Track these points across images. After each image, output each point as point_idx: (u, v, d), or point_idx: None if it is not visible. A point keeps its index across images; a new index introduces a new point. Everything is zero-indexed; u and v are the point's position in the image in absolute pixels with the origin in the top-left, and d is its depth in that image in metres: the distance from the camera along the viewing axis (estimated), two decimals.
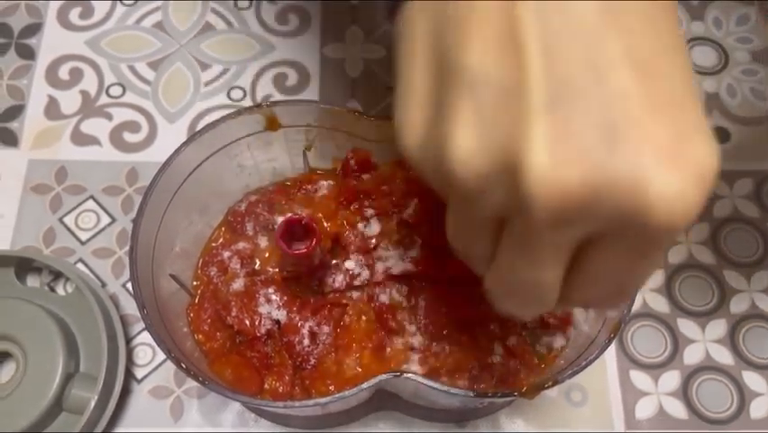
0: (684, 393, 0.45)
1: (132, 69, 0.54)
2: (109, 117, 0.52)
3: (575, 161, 0.19)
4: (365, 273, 0.37)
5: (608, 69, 0.19)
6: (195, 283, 0.39)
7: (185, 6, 0.56)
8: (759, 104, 0.54)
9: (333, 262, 0.37)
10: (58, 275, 0.46)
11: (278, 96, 0.53)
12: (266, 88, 0.53)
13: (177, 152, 0.36)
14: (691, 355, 0.46)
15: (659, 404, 0.45)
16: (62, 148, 0.51)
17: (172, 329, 0.35)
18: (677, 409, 0.44)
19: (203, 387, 0.32)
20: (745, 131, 0.53)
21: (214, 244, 0.39)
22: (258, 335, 0.36)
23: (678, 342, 0.46)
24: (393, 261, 0.37)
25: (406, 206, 0.38)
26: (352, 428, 0.43)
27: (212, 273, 0.38)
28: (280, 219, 0.37)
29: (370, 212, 0.38)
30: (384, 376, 0.31)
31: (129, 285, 0.46)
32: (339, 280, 0.37)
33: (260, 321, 0.36)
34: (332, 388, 0.35)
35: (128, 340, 0.45)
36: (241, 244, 0.39)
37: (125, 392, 0.44)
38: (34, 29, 0.55)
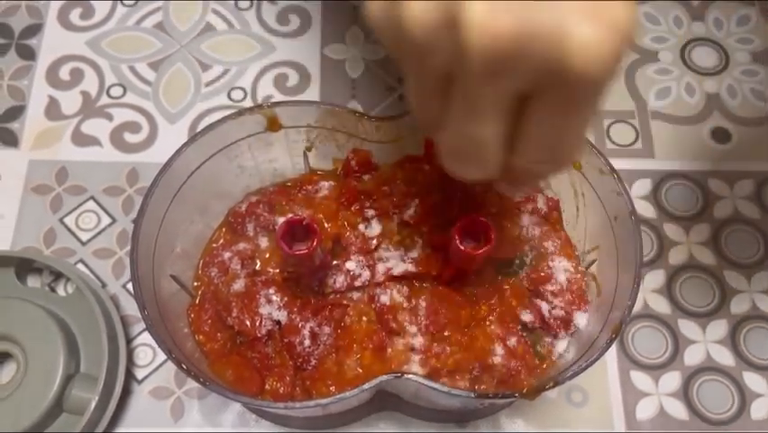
0: (685, 394, 0.45)
1: (132, 69, 0.54)
2: (110, 118, 0.52)
3: (506, 11, 0.21)
4: (366, 274, 0.37)
5: None
6: (195, 284, 0.39)
7: (185, 7, 0.56)
8: (759, 104, 0.54)
9: (334, 262, 0.37)
10: (58, 276, 0.46)
11: (278, 97, 0.53)
12: (267, 89, 0.53)
13: (177, 152, 0.36)
14: (692, 356, 0.46)
15: (660, 405, 0.44)
16: (63, 148, 0.51)
17: (173, 330, 0.35)
18: (678, 410, 0.44)
19: (203, 388, 0.32)
20: (745, 131, 0.53)
21: (214, 245, 0.39)
22: (258, 335, 0.36)
23: (678, 343, 0.46)
24: (394, 261, 0.37)
25: (407, 206, 0.38)
26: (353, 428, 0.43)
27: (212, 274, 0.38)
28: (281, 220, 0.37)
29: (370, 213, 0.38)
30: (385, 377, 0.31)
31: (129, 286, 0.46)
32: (340, 281, 0.37)
33: (260, 322, 0.36)
34: (332, 389, 0.35)
35: (129, 341, 0.45)
36: (241, 245, 0.39)
37: (126, 393, 0.44)
38: (35, 29, 0.55)
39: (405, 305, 0.36)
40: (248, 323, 0.36)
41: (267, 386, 0.36)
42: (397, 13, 0.23)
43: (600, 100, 0.25)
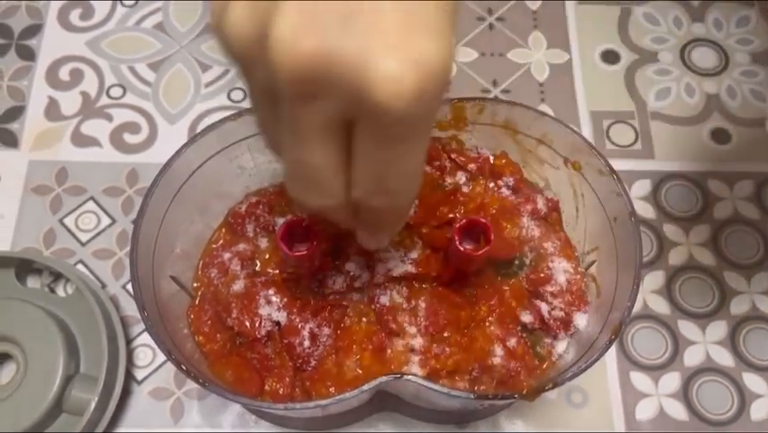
0: (684, 395, 0.45)
1: (132, 70, 0.54)
2: (109, 118, 0.52)
3: (313, 33, 0.21)
4: (365, 275, 0.37)
5: None
6: (195, 285, 0.39)
7: (185, 7, 0.56)
8: (759, 105, 0.54)
9: (334, 263, 0.37)
10: (58, 276, 0.46)
11: None
12: None
13: (177, 153, 0.36)
14: (692, 357, 0.46)
15: (659, 406, 0.44)
16: (62, 149, 0.51)
17: (172, 331, 0.35)
18: (677, 411, 0.44)
19: (203, 388, 0.32)
20: (745, 132, 0.53)
21: (214, 246, 0.39)
22: (258, 336, 0.36)
23: (678, 343, 0.46)
24: (393, 262, 0.37)
25: None
26: (353, 428, 0.43)
27: (212, 275, 0.38)
28: (281, 221, 0.37)
29: None
30: (384, 378, 0.31)
31: (129, 286, 0.46)
32: (339, 282, 0.37)
33: (260, 323, 0.36)
34: (332, 390, 0.35)
35: (128, 341, 0.45)
36: (241, 246, 0.39)
37: (125, 394, 0.44)
38: (35, 30, 0.55)
39: (404, 306, 0.36)
40: (248, 324, 0.36)
41: (266, 387, 0.36)
42: (220, 20, 0.23)
43: (422, 135, 0.24)
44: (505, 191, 0.39)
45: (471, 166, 0.39)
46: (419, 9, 0.22)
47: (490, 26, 0.57)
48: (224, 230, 0.40)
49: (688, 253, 0.49)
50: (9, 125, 0.52)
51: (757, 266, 0.48)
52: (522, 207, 0.39)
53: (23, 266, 0.45)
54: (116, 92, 0.53)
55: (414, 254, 0.37)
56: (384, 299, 0.36)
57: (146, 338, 0.45)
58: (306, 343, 0.35)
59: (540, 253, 0.38)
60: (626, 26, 0.57)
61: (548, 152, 0.38)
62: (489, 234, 0.33)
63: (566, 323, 0.37)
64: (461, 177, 0.39)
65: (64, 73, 0.54)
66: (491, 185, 0.39)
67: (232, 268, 0.38)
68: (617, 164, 0.37)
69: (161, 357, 0.45)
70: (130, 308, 0.46)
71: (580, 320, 0.37)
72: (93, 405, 0.40)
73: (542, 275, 0.37)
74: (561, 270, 0.37)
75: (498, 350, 0.36)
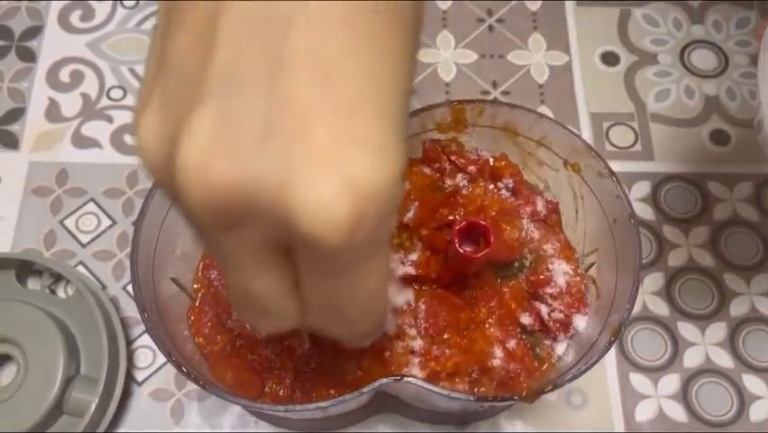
0: (684, 396, 0.45)
1: (132, 71, 0.54)
2: (110, 120, 0.52)
3: (226, 156, 0.18)
4: None
5: (284, 66, 0.18)
6: (195, 286, 0.39)
7: None
8: None
9: None
10: (58, 278, 0.46)
11: None
12: None
13: None
14: (691, 358, 0.46)
15: (659, 407, 0.45)
16: (63, 150, 0.51)
17: (173, 332, 0.35)
18: (677, 413, 0.44)
19: (203, 390, 0.32)
20: (744, 134, 0.53)
21: None
22: (258, 338, 0.36)
23: (678, 345, 0.46)
24: (393, 264, 0.37)
25: (407, 209, 0.38)
26: (353, 429, 0.43)
27: (213, 276, 0.38)
28: None
29: None
30: (384, 380, 0.31)
31: (129, 288, 0.46)
32: None
33: None
34: (332, 391, 0.35)
35: (129, 343, 0.45)
36: None
37: (126, 395, 0.44)
38: (35, 31, 0.55)
39: (404, 308, 0.36)
40: (248, 326, 0.36)
41: (267, 389, 0.36)
42: (135, 133, 0.20)
43: (373, 259, 0.20)
44: (504, 193, 0.39)
45: (471, 168, 0.39)
46: (356, 118, 0.18)
47: (490, 28, 0.57)
48: None
49: (687, 254, 0.49)
50: (9, 127, 0.52)
51: (757, 268, 0.48)
52: (522, 208, 0.39)
53: (24, 267, 0.46)
54: (117, 93, 0.53)
55: (413, 256, 0.37)
56: None
57: (146, 340, 0.45)
58: (307, 344, 0.36)
59: (540, 255, 0.38)
60: (625, 28, 0.57)
61: (548, 154, 0.38)
62: (488, 236, 0.33)
63: (566, 325, 0.37)
64: (460, 179, 0.39)
65: (64, 74, 0.54)
66: (491, 187, 0.39)
67: None
68: (617, 166, 0.38)
69: (162, 358, 0.45)
70: (130, 309, 0.46)
71: (580, 322, 0.37)
72: (93, 406, 0.40)
73: (541, 277, 0.37)
74: (560, 271, 0.37)
75: (498, 352, 0.36)
